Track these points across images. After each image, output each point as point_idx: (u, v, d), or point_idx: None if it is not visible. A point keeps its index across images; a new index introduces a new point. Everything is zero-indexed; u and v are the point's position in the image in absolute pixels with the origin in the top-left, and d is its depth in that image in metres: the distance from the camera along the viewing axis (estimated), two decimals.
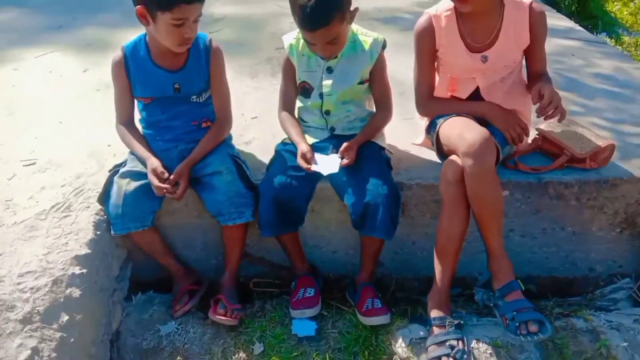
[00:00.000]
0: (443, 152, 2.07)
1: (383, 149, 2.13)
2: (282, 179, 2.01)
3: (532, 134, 2.21)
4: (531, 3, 2.03)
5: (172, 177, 1.99)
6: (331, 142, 2.09)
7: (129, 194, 2.00)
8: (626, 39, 5.49)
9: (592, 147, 2.09)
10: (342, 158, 1.99)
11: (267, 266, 2.26)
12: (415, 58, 2.13)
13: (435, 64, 2.14)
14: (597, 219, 2.16)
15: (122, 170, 2.07)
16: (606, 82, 2.90)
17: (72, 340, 1.78)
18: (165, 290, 2.20)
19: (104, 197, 2.05)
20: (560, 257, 2.23)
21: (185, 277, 2.18)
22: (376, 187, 1.94)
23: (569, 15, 4.77)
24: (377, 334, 1.99)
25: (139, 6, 1.90)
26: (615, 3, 6.32)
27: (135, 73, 2.07)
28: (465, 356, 1.82)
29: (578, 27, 3.85)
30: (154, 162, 2.01)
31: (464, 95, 2.12)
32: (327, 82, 2.08)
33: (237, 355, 1.97)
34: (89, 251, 1.95)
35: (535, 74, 2.10)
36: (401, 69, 2.44)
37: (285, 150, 2.11)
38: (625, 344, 1.85)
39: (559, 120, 1.99)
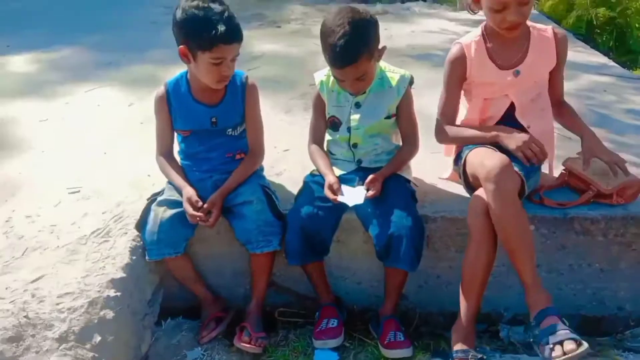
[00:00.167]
0: (470, 185, 2.10)
1: (409, 181, 2.17)
2: (309, 209, 2.07)
3: (559, 169, 2.22)
4: (553, 27, 2.12)
5: (205, 205, 2.07)
6: (358, 174, 2.14)
7: (164, 221, 2.08)
8: None
9: (620, 183, 2.08)
10: (367, 190, 2.03)
11: (292, 296, 2.29)
12: (443, 86, 2.18)
13: (464, 92, 2.19)
14: (625, 256, 2.13)
15: (159, 198, 2.16)
16: (638, 118, 2.87)
17: None
18: (194, 317, 2.24)
19: (141, 224, 2.13)
20: (588, 295, 2.19)
21: (213, 304, 2.22)
22: (400, 219, 1.98)
23: (607, 51, 4.73)
24: None
25: (181, 46, 2.02)
26: None
27: (176, 107, 2.18)
28: None
29: (611, 63, 3.82)
30: (189, 191, 2.09)
31: (498, 114, 2.14)
32: (355, 117, 2.15)
33: None
34: (124, 275, 2.01)
35: (556, 102, 2.17)
36: (430, 105, 2.48)
37: (314, 181, 2.17)
38: None
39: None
